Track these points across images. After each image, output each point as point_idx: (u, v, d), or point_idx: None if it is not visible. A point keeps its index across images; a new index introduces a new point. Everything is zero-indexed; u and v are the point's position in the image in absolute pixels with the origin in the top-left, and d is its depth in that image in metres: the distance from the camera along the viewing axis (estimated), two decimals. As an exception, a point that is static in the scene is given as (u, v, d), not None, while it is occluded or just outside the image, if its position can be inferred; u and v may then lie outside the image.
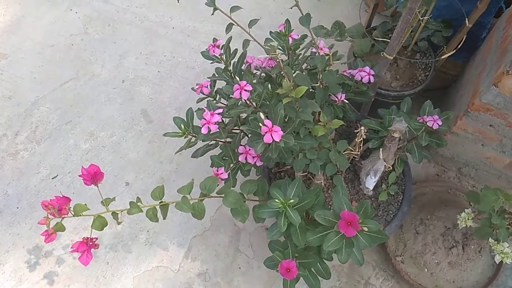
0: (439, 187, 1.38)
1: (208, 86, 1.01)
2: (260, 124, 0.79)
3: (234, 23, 0.87)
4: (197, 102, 1.04)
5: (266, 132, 0.79)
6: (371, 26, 1.40)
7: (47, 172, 1.44)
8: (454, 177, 1.45)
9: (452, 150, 1.36)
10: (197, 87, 1.01)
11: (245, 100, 0.87)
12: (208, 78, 1.02)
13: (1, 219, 1.36)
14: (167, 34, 1.73)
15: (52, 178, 1.42)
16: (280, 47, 1.00)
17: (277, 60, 0.85)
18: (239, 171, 1.01)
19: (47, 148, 1.48)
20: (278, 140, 0.78)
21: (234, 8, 0.86)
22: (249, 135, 0.91)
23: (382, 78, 1.18)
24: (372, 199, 1.19)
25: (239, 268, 1.31)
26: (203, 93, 1.01)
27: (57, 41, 1.71)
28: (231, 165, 0.99)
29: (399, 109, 1.10)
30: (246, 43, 0.93)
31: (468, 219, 1.07)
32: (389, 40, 1.27)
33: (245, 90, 0.86)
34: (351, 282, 1.29)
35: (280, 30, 0.96)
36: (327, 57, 0.97)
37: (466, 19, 1.16)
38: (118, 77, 1.62)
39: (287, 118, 0.86)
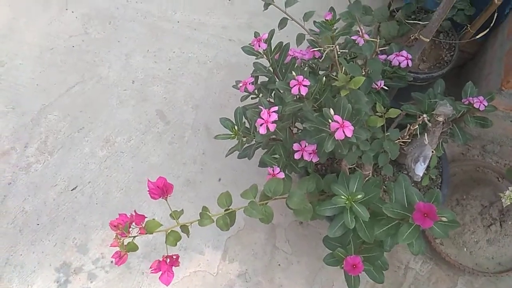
0: (467, 166, 1.39)
1: (252, 83, 0.96)
2: (330, 121, 0.76)
3: (289, 18, 0.82)
4: (241, 101, 0.99)
5: (337, 128, 0.75)
6: (391, 9, 1.37)
7: (65, 184, 1.36)
8: (478, 155, 1.46)
9: (479, 128, 1.36)
10: (240, 84, 0.96)
11: (302, 95, 0.84)
12: (251, 75, 0.97)
13: (22, 238, 1.28)
14: (173, 29, 1.65)
15: (72, 190, 1.35)
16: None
17: (335, 52, 0.82)
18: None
19: (62, 158, 1.39)
20: (350, 136, 0.75)
21: (289, 2, 0.81)
22: (305, 132, 0.88)
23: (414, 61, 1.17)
24: (412, 184, 1.19)
25: (279, 265, 1.28)
26: (247, 91, 0.96)
27: (56, 44, 1.60)
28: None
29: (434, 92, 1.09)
30: (300, 37, 0.88)
31: (514, 196, 1.08)
32: (415, 22, 1.26)
33: (303, 85, 0.82)
34: (391, 268, 1.29)
35: (326, 20, 0.92)
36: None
37: (495, -4, 1.15)
38: (127, 78, 1.54)
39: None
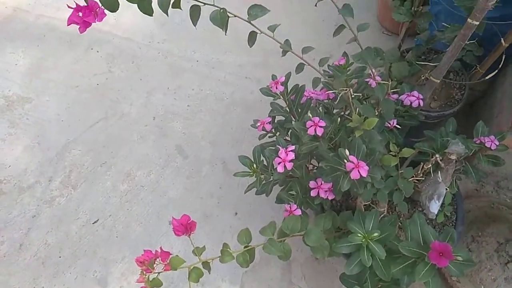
0: (482, 203, 1.39)
1: (269, 123, 1.01)
2: (345, 160, 0.79)
3: (305, 63, 0.88)
4: (259, 139, 1.03)
5: (352, 168, 0.79)
6: (402, 50, 1.42)
7: (87, 217, 1.40)
8: (492, 191, 1.47)
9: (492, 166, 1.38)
10: (258, 124, 1.01)
11: (318, 136, 0.88)
12: (269, 115, 1.02)
13: (44, 270, 1.31)
14: (192, 67, 1.73)
15: (93, 223, 1.39)
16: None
17: (349, 95, 0.86)
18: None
19: (84, 192, 1.44)
20: (365, 176, 0.78)
21: (306, 49, 0.86)
22: (321, 170, 0.91)
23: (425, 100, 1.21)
24: (427, 221, 1.20)
25: (295, 301, 1.29)
26: (265, 130, 1.01)
27: (81, 82, 1.69)
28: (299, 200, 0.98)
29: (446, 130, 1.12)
30: (316, 81, 0.94)
31: (530, 235, 1.08)
32: (425, 63, 1.31)
33: (319, 126, 0.86)
34: (408, 306, 1.28)
35: (340, 64, 0.97)
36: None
37: (502, 39, 1.19)
38: (148, 114, 1.61)
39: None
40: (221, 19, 0.65)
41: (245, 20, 0.72)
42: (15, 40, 1.84)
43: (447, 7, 1.23)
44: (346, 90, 0.87)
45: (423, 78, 1.27)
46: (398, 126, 1.09)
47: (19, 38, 1.84)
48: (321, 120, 0.87)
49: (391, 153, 0.94)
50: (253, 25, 0.74)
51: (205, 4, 0.66)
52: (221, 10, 0.66)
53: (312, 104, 1.05)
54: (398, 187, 0.99)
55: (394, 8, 1.40)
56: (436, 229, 1.19)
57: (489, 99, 1.45)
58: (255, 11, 0.70)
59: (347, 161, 0.79)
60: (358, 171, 0.78)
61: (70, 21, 0.63)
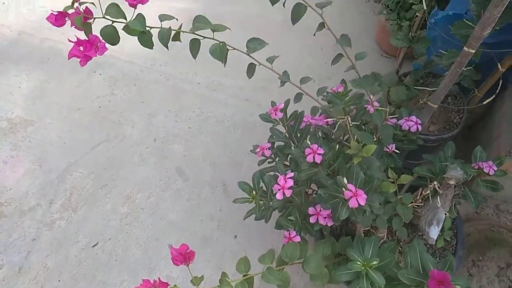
0: (482, 226, 1.39)
1: (269, 149, 1.02)
2: (344, 189, 0.80)
3: (304, 93, 0.89)
4: (258, 165, 1.04)
5: (351, 197, 0.79)
6: (400, 74, 1.44)
7: (87, 240, 1.40)
8: (492, 214, 1.47)
9: (492, 189, 1.38)
10: (258, 150, 1.02)
11: (316, 163, 0.88)
12: (268, 141, 1.03)
13: (42, 294, 1.31)
14: (193, 90, 1.75)
15: (93, 246, 1.39)
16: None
17: (347, 122, 0.87)
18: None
19: (84, 215, 1.45)
20: (363, 204, 0.79)
21: (304, 79, 0.88)
22: (320, 197, 0.91)
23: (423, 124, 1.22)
24: (427, 246, 1.20)
25: (295, 327, 1.27)
26: (264, 156, 1.02)
27: (84, 104, 1.71)
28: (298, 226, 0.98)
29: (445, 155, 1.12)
30: (314, 109, 0.95)
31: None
32: (423, 88, 1.32)
33: (318, 154, 0.87)
34: (409, 331, 1.27)
35: (338, 91, 0.98)
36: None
37: (499, 64, 1.21)
38: (149, 137, 1.62)
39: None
40: (220, 52, 0.67)
41: (244, 53, 0.74)
42: (19, 63, 1.87)
43: (443, 35, 1.25)
44: (344, 118, 0.88)
45: (421, 102, 1.29)
46: (397, 151, 1.09)
47: (24, 61, 1.87)
48: (319, 148, 0.88)
49: (389, 179, 0.95)
50: (252, 57, 0.76)
51: (204, 37, 0.68)
52: (221, 44, 0.68)
53: (311, 130, 1.06)
54: (397, 213, 0.99)
55: (392, 33, 1.43)
56: (436, 254, 1.18)
57: (488, 123, 1.46)
58: (254, 44, 0.72)
59: (345, 190, 0.80)
60: (356, 199, 0.79)
61: (71, 55, 0.64)
